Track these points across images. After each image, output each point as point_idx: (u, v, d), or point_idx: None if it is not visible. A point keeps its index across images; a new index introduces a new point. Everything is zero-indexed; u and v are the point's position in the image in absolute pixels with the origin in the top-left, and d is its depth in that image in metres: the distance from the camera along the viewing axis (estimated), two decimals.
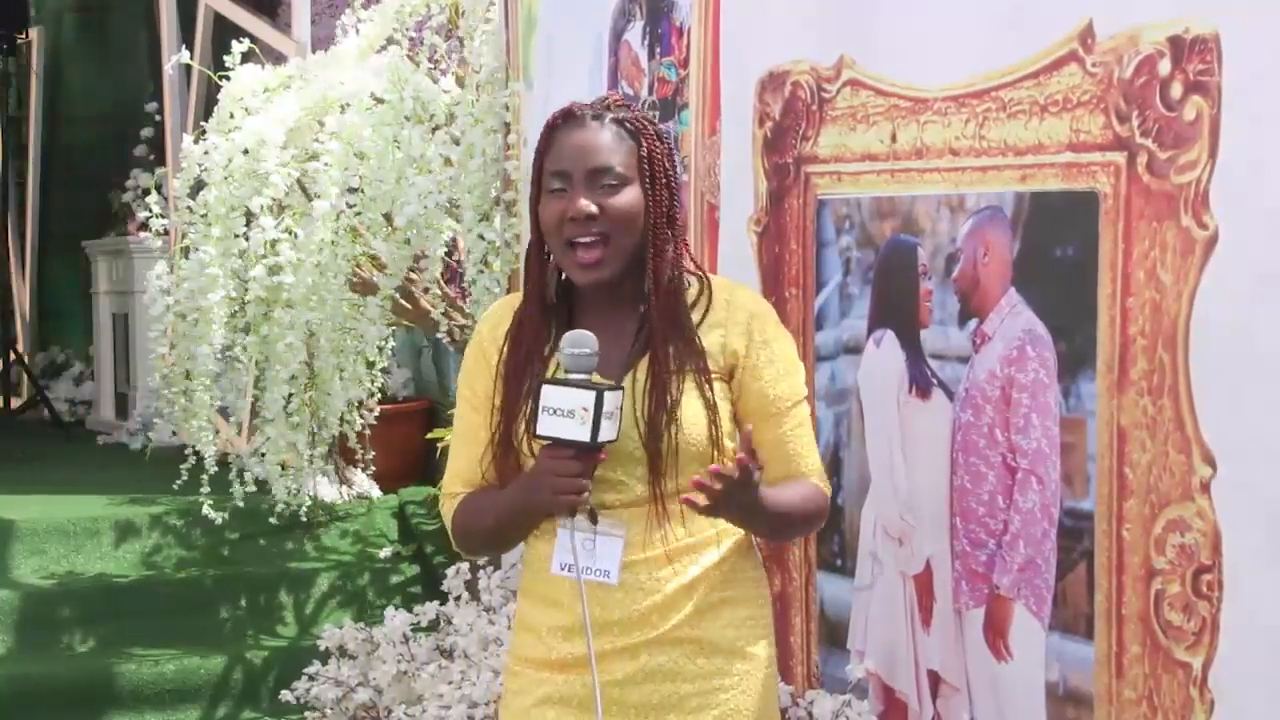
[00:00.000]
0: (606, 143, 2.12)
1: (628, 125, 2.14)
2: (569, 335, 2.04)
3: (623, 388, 2.06)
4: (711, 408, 2.12)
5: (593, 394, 1.98)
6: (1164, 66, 2.22)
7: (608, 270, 2.11)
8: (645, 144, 2.14)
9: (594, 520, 2.06)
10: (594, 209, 2.09)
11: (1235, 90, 2.12)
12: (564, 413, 1.98)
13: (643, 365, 2.12)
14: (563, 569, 2.10)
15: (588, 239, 2.09)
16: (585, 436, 1.98)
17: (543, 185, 2.14)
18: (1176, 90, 2.21)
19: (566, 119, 2.15)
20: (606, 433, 1.99)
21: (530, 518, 2.14)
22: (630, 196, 2.11)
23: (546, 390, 2.00)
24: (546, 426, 2.00)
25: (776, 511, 2.11)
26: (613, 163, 2.11)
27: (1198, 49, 2.17)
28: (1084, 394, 2.37)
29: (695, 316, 2.15)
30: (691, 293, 2.17)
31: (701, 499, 1.99)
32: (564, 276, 2.17)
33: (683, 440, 2.09)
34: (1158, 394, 2.23)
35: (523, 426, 2.12)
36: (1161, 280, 2.23)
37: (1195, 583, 2.19)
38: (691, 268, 2.19)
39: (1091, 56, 2.35)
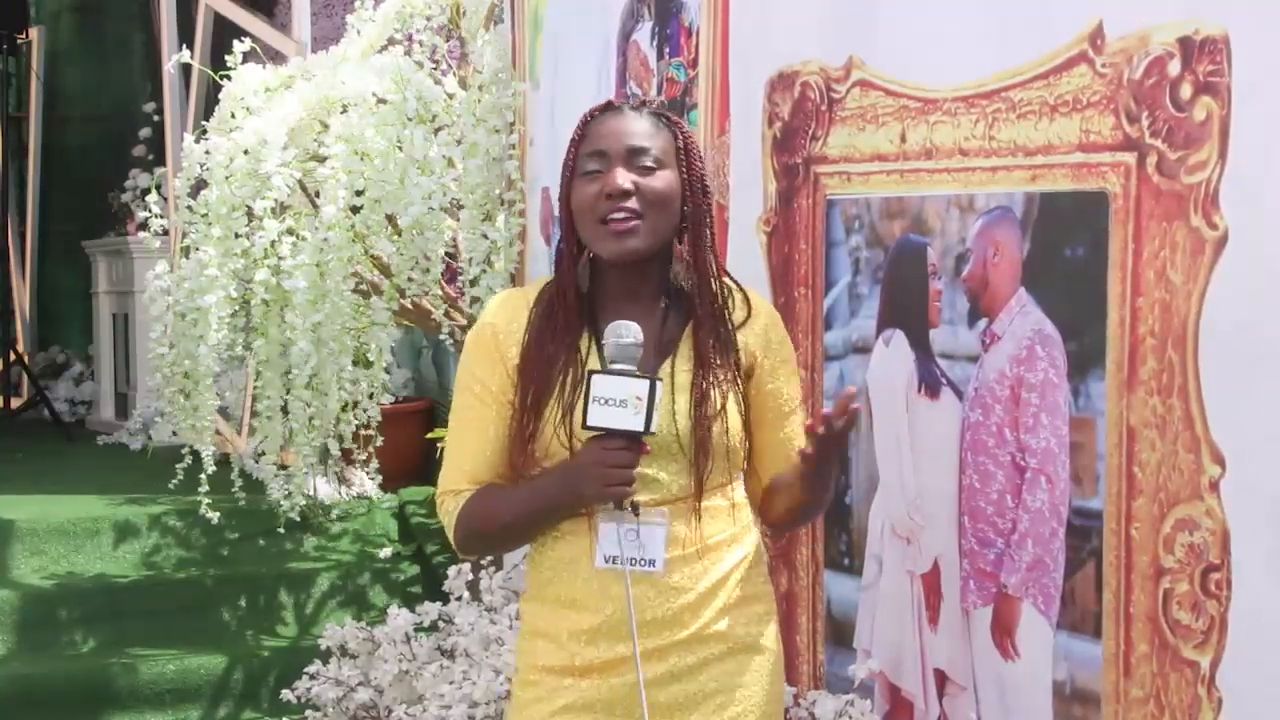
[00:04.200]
0: (645, 128, 2.14)
1: (664, 118, 2.17)
2: (614, 325, 2.02)
3: (662, 379, 2.05)
4: (743, 404, 2.15)
5: (647, 382, 1.97)
6: (1174, 67, 2.23)
7: (640, 242, 2.10)
8: (681, 137, 2.16)
9: (636, 512, 2.05)
10: (630, 184, 2.08)
11: (1245, 91, 2.13)
12: (616, 402, 1.97)
13: (677, 358, 2.13)
14: (608, 562, 2.08)
15: (622, 215, 2.08)
16: (640, 426, 1.97)
17: (576, 171, 2.14)
18: (1186, 91, 2.21)
19: (605, 109, 2.17)
20: (654, 423, 1.99)
21: (559, 512, 2.11)
22: (667, 179, 2.12)
23: (597, 380, 1.98)
24: (597, 417, 1.98)
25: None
26: (650, 145, 2.12)
27: (1208, 50, 2.18)
28: (1093, 393, 2.37)
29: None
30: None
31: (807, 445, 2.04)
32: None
33: (727, 435, 2.11)
34: (1167, 393, 2.24)
35: (558, 416, 2.09)
36: (1171, 280, 2.23)
37: (1204, 582, 2.20)
38: (722, 271, 2.21)
39: (1101, 57, 2.36)
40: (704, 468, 2.09)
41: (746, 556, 2.17)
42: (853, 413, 2.01)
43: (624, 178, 2.08)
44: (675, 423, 2.08)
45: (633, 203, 2.08)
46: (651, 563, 2.07)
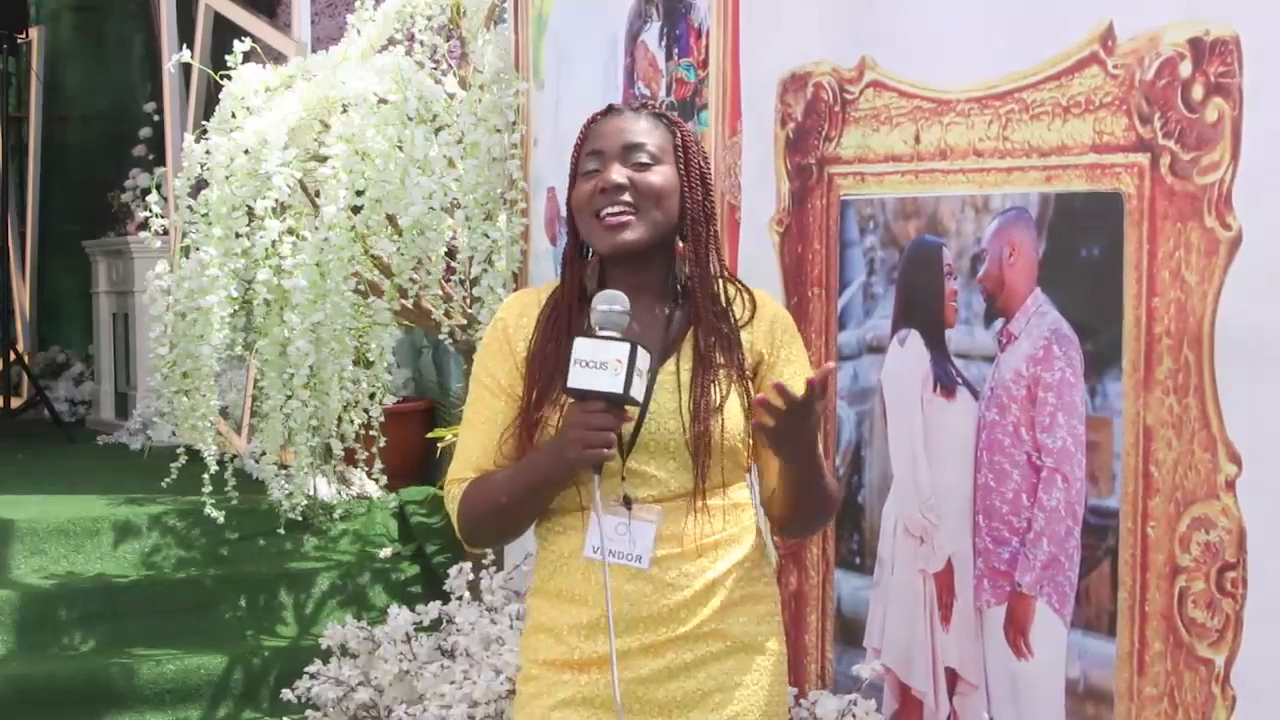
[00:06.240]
0: (642, 125, 2.16)
1: (664, 117, 2.19)
2: (602, 294, 2.05)
3: (650, 351, 2.05)
4: (747, 403, 2.14)
5: (627, 345, 1.98)
6: (1185, 68, 2.24)
7: (633, 234, 2.12)
8: (680, 134, 2.18)
9: (628, 506, 2.06)
10: (624, 179, 2.11)
11: (1256, 91, 2.14)
12: (596, 364, 1.97)
13: (680, 358, 2.14)
14: (594, 552, 2.09)
15: (616, 209, 2.11)
16: (618, 388, 1.97)
17: (578, 173, 2.17)
18: (1198, 92, 2.22)
19: (607, 112, 2.20)
20: (636, 390, 1.99)
21: (550, 484, 2.11)
22: (663, 175, 2.14)
23: (579, 343, 2.00)
24: (578, 379, 1.99)
25: (821, 462, 2.12)
26: (647, 141, 2.14)
27: (1218, 51, 2.19)
28: (1110, 393, 2.38)
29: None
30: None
31: (768, 418, 1.99)
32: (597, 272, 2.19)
33: (726, 434, 2.10)
34: (1183, 393, 2.25)
35: (558, 413, 2.10)
36: (1186, 280, 2.24)
37: (1219, 580, 2.20)
38: (725, 271, 2.22)
39: (1113, 58, 2.36)
40: (702, 465, 2.10)
41: (747, 557, 2.17)
42: (815, 387, 1.98)
43: (619, 173, 2.11)
44: (680, 419, 2.10)
45: (627, 196, 2.11)
46: (639, 559, 2.08)
